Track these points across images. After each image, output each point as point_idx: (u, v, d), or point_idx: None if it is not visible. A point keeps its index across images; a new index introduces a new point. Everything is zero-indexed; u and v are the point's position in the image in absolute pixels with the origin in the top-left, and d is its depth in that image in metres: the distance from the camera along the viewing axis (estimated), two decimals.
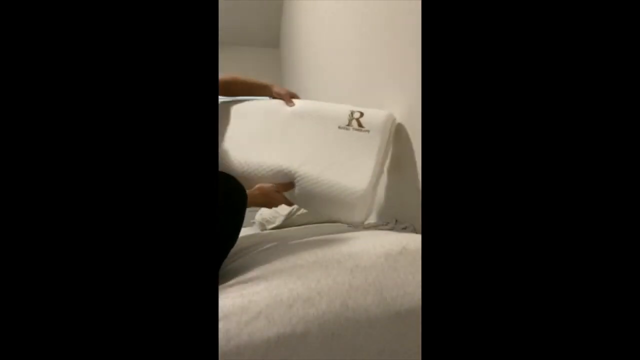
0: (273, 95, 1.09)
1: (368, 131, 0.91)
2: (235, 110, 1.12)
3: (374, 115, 0.93)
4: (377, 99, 1.22)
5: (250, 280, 0.54)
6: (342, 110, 0.97)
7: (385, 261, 0.54)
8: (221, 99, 1.16)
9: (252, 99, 1.13)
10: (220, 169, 1.02)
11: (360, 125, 0.92)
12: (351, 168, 0.88)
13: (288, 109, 1.06)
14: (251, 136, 1.07)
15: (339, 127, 0.94)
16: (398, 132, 1.00)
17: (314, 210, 0.99)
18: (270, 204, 0.93)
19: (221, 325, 0.42)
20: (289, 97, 1.07)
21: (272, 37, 3.59)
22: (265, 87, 1.10)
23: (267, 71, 3.53)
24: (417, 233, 0.89)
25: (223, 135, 1.08)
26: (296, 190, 0.91)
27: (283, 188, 0.91)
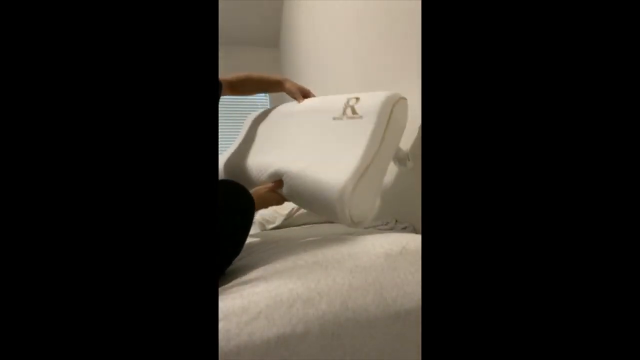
0: (286, 92, 1.06)
1: (361, 117, 0.79)
2: (262, 120, 1.12)
3: (371, 99, 0.81)
4: None
5: (250, 280, 0.54)
6: (339, 100, 0.87)
7: (385, 261, 0.54)
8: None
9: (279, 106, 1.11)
10: (234, 175, 1.01)
11: (354, 112, 0.81)
12: (334, 162, 0.76)
13: (297, 107, 1.00)
14: (264, 141, 1.04)
15: (334, 119, 0.85)
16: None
17: (304, 207, 0.93)
18: (268, 204, 0.90)
19: (221, 325, 0.42)
20: (300, 95, 1.03)
21: (272, 37, 3.59)
22: (278, 83, 1.07)
23: (267, 71, 3.51)
24: (417, 233, 0.89)
25: (249, 146, 1.07)
26: (284, 188, 0.85)
27: (274, 187, 0.87)
